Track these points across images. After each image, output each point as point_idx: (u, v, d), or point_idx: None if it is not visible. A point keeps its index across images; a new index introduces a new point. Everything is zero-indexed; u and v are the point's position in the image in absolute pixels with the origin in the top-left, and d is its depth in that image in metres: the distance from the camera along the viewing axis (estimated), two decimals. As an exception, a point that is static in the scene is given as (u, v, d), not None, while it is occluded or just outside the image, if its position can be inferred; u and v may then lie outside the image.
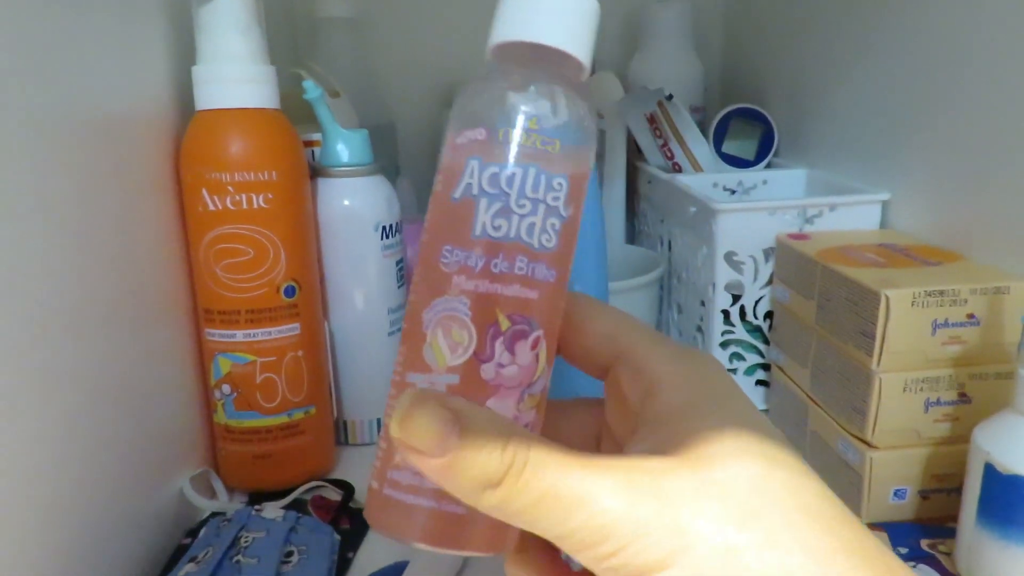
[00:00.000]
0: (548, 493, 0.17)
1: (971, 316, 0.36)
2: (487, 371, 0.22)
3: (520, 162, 0.22)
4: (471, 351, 0.22)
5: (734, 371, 0.51)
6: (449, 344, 0.22)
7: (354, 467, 0.46)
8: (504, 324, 0.22)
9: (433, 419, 0.18)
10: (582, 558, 0.17)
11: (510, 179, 0.22)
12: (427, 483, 0.20)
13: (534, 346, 0.22)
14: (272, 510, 0.38)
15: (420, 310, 0.22)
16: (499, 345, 0.22)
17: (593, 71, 0.73)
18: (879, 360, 0.37)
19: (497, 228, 0.22)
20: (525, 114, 0.22)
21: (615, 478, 0.17)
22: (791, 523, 0.16)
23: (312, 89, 0.43)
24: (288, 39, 0.71)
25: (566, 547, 0.17)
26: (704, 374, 0.21)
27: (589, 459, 0.17)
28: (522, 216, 0.22)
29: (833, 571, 0.16)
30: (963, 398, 0.37)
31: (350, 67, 0.66)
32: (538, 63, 0.23)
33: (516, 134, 0.22)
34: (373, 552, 0.38)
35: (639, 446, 0.19)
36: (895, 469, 0.38)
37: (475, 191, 0.22)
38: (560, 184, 0.22)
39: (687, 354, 0.21)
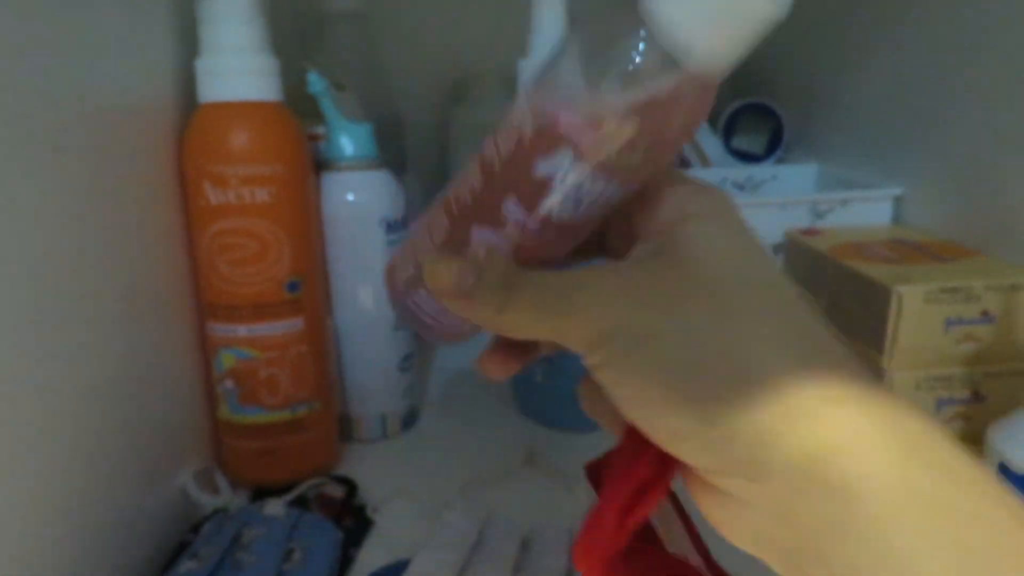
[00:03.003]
0: (530, 312, 0.21)
1: (985, 313, 0.36)
2: None
3: (604, 174, 0.21)
4: None
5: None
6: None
7: (358, 463, 0.46)
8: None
9: (453, 272, 0.21)
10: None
11: (590, 190, 0.22)
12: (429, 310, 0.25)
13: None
14: (274, 507, 0.38)
15: (470, 219, 0.24)
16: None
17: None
18: (890, 358, 0.36)
19: (560, 216, 0.23)
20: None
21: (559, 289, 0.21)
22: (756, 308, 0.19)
23: (316, 82, 0.43)
24: (294, 33, 0.70)
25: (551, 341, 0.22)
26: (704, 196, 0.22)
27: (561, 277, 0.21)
28: (583, 211, 0.23)
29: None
30: (976, 397, 0.36)
31: (356, 61, 0.65)
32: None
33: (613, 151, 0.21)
34: (375, 550, 0.38)
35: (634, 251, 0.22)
36: (907, 469, 0.37)
37: (556, 180, 0.22)
38: (620, 191, 0.22)
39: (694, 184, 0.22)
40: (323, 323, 0.43)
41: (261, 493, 0.42)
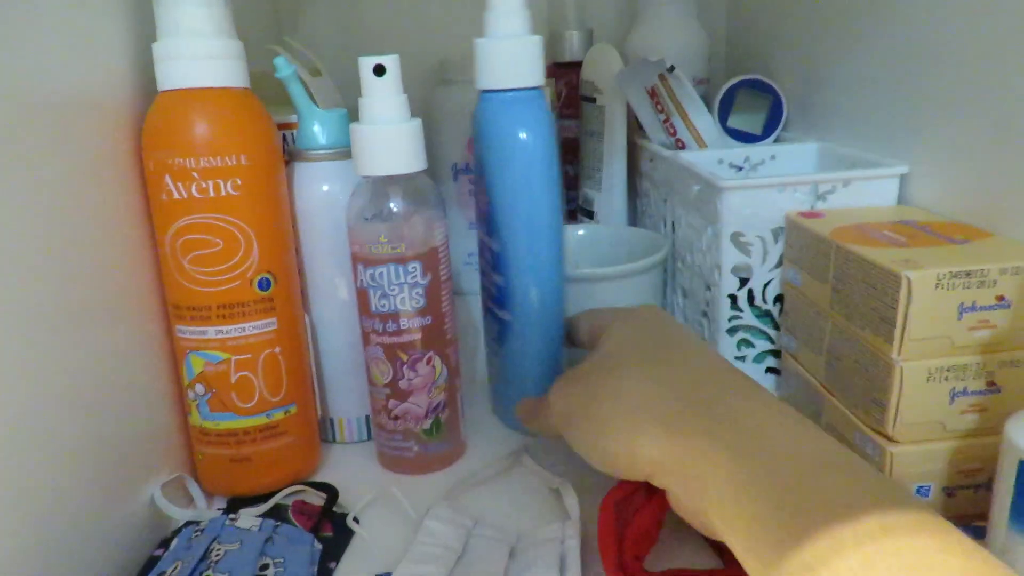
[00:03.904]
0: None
1: (1001, 298, 0.33)
2: (403, 384, 0.40)
3: (384, 263, 0.38)
4: (391, 376, 0.40)
5: (742, 359, 0.48)
6: (379, 372, 0.40)
7: (341, 468, 0.44)
8: (404, 357, 0.40)
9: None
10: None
11: (381, 276, 0.38)
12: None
13: (429, 362, 0.40)
14: (247, 519, 0.36)
15: (364, 347, 0.41)
16: (405, 368, 0.40)
17: (591, 43, 0.70)
18: (900, 348, 0.34)
19: (383, 305, 0.39)
20: (381, 233, 0.38)
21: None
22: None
23: (284, 66, 0.40)
24: (269, 15, 0.67)
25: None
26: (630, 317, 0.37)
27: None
28: (395, 295, 0.39)
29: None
30: (992, 387, 0.34)
31: (334, 44, 0.62)
32: (385, 185, 0.38)
33: (376, 249, 0.38)
34: (356, 562, 0.36)
35: None
36: (918, 465, 0.35)
37: (365, 284, 0.39)
38: (415, 268, 0.38)
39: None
40: (298, 322, 0.41)
41: (237, 503, 0.39)
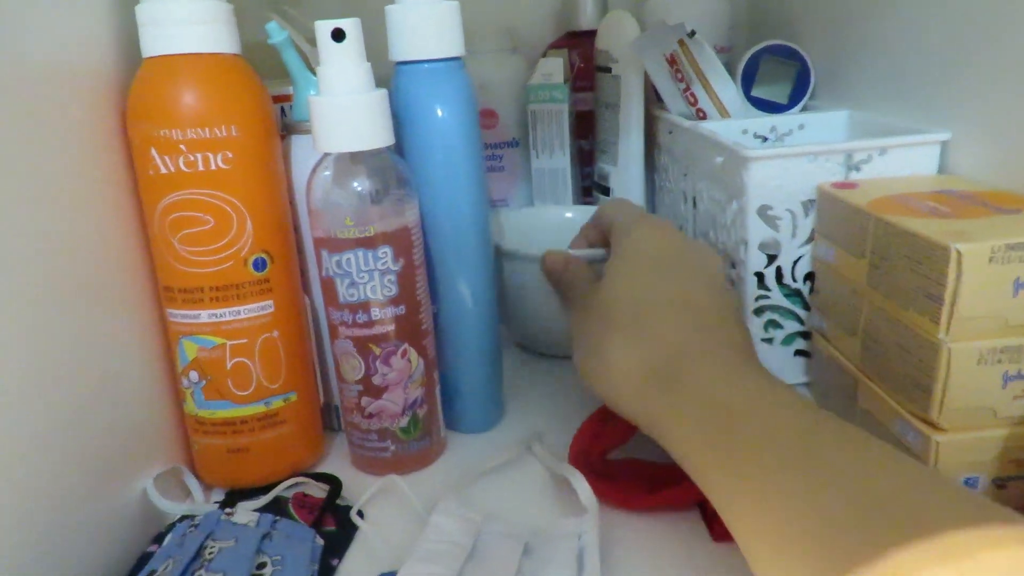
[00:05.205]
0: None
1: (1061, 273, 0.30)
2: (376, 379, 0.37)
3: (351, 248, 0.35)
4: (363, 372, 0.37)
5: (769, 340, 0.45)
6: (350, 368, 0.37)
7: (346, 456, 0.42)
8: (377, 351, 0.36)
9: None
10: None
11: (348, 262, 0.35)
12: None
13: (403, 355, 0.37)
14: (244, 513, 0.34)
15: (331, 341, 0.38)
16: (378, 363, 0.37)
17: (606, 10, 0.66)
18: (948, 328, 0.31)
19: (351, 295, 0.35)
20: (346, 215, 0.34)
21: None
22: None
23: (276, 32, 0.38)
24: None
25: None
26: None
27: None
28: (365, 283, 0.35)
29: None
30: (1050, 370, 0.31)
31: (335, 13, 0.59)
32: (354, 161, 0.35)
33: (342, 233, 0.34)
34: (360, 558, 0.34)
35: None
36: (966, 454, 0.32)
37: (331, 273, 0.35)
38: (385, 252, 0.35)
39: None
40: (298, 304, 0.39)
41: (235, 495, 0.37)
